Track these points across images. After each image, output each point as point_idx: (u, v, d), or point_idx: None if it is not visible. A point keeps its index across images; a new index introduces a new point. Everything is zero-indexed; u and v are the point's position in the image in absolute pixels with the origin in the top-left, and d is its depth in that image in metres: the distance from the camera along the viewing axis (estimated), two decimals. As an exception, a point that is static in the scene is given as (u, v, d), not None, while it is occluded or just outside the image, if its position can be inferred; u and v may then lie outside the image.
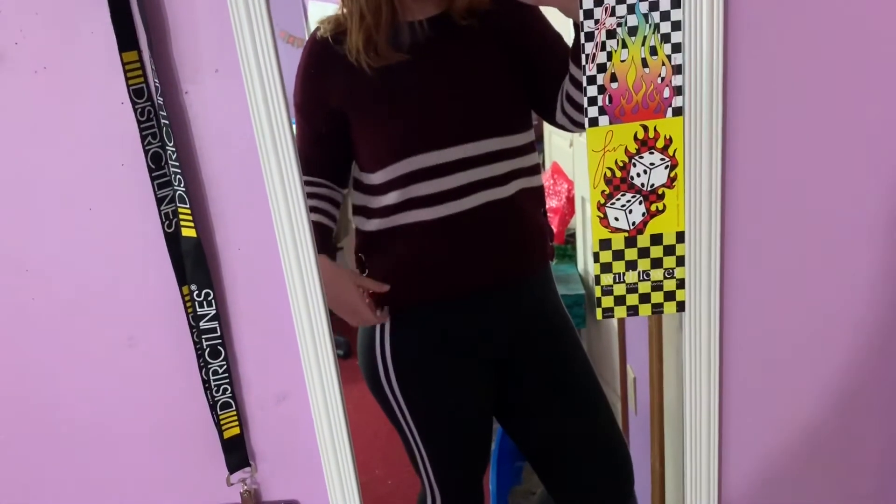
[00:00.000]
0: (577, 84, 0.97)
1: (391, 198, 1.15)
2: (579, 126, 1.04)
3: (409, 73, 1.10)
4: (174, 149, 0.87)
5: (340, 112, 1.14)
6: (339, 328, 1.90)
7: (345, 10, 1.10)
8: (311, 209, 1.11)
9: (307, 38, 1.16)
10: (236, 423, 1.01)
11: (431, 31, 1.11)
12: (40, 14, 0.86)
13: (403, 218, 1.16)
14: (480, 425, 1.32)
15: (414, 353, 1.25)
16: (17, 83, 0.89)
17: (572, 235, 1.63)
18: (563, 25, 1.09)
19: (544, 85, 1.09)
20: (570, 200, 1.58)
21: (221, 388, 0.98)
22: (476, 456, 1.34)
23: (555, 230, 1.49)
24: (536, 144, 1.23)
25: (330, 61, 1.12)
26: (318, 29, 1.13)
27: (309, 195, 0.94)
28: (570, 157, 1.52)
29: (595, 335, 1.62)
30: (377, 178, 1.15)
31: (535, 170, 1.21)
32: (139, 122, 0.88)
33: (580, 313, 1.52)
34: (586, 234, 1.53)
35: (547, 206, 1.31)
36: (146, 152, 0.89)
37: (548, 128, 1.44)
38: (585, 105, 0.86)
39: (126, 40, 0.85)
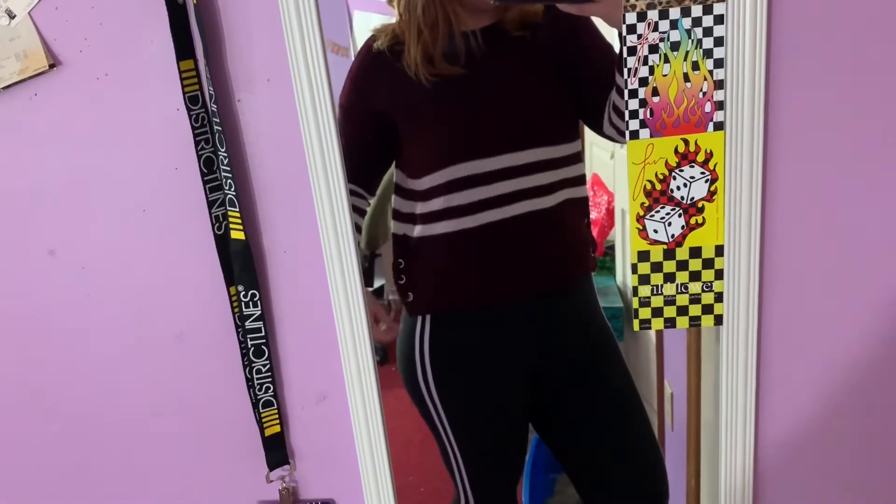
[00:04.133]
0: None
1: (435, 204, 1.17)
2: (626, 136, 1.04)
3: (459, 82, 1.12)
4: (226, 154, 0.90)
5: (388, 117, 1.16)
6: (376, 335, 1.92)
7: (401, 23, 1.12)
8: None
9: (362, 45, 1.18)
10: (277, 421, 1.03)
11: (484, 42, 1.13)
12: (104, 24, 0.91)
13: (446, 225, 1.17)
14: (516, 432, 1.33)
15: (452, 358, 1.26)
16: (79, 88, 0.93)
17: (611, 247, 1.63)
18: (610, 34, 1.10)
19: (593, 96, 1.09)
20: (610, 212, 1.58)
21: (264, 386, 1.01)
22: (510, 463, 1.35)
23: None
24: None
25: (385, 71, 1.14)
26: (374, 39, 1.15)
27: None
28: (611, 168, 1.53)
29: (633, 349, 1.62)
30: (422, 184, 1.17)
31: (581, 180, 1.22)
32: (193, 128, 0.92)
33: (618, 326, 1.52)
34: (625, 246, 1.53)
35: (588, 218, 1.31)
36: (199, 157, 0.93)
37: (588, 139, 1.45)
38: (626, 118, 0.87)
39: (183, 49, 0.89)
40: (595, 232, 1.55)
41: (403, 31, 1.12)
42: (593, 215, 1.56)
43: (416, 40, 1.10)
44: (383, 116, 1.16)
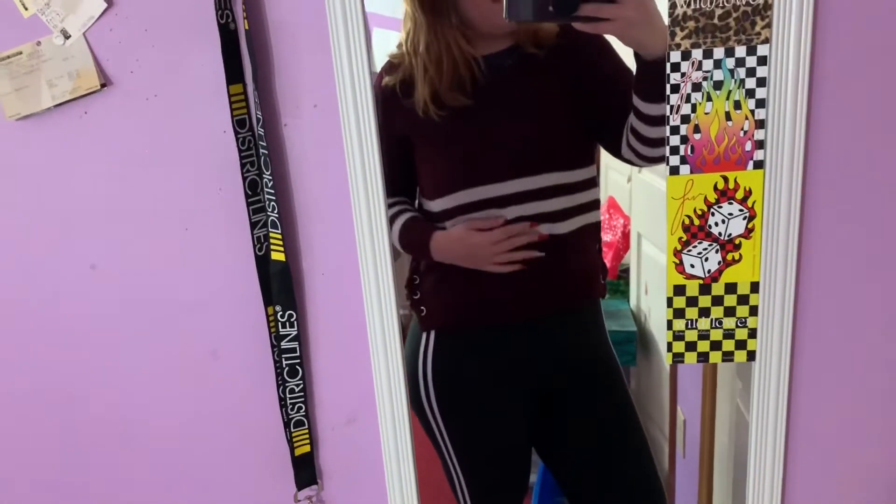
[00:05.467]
0: (642, 117, 0.98)
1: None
2: (644, 160, 1.05)
3: (472, 107, 1.12)
4: (270, 177, 0.92)
5: (407, 138, 1.17)
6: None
7: (410, 61, 1.13)
8: (398, 214, 1.19)
9: (376, 76, 1.19)
10: (307, 441, 1.04)
11: (499, 65, 1.13)
12: (156, 46, 0.93)
13: None
14: (518, 454, 1.33)
15: (455, 378, 1.26)
16: (129, 108, 0.96)
17: (625, 271, 1.63)
18: (623, 52, 1.08)
19: (611, 119, 1.09)
20: (626, 236, 1.58)
21: (296, 406, 1.02)
22: (512, 485, 1.34)
23: (608, 265, 1.49)
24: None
25: (396, 104, 1.14)
26: (385, 73, 1.16)
27: (390, 205, 1.01)
28: (628, 192, 1.53)
29: (645, 374, 1.61)
30: (436, 205, 1.18)
31: (595, 205, 1.22)
32: (240, 151, 0.93)
33: (631, 350, 1.52)
34: (640, 269, 1.53)
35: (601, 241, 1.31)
36: (244, 179, 0.94)
37: (605, 162, 1.44)
38: (667, 153, 0.89)
39: (233, 74, 0.91)
40: (610, 255, 1.55)
41: (411, 67, 1.13)
42: (608, 238, 1.56)
43: (422, 79, 1.11)
44: (402, 139, 1.17)
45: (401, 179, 1.18)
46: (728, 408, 1.26)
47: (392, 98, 1.13)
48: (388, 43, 1.32)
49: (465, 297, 1.23)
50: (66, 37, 0.93)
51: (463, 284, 1.22)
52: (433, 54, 1.10)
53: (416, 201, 1.24)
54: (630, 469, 1.30)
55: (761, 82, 0.85)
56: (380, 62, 1.19)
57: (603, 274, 1.30)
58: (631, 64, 0.96)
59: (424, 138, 1.16)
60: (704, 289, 0.93)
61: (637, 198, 1.49)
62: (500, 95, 1.14)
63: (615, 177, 1.54)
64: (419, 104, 1.12)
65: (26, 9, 0.93)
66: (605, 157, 1.24)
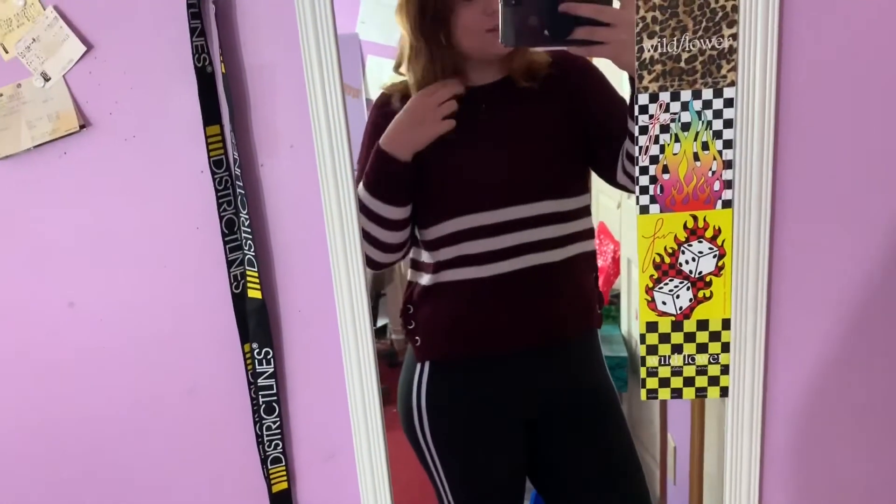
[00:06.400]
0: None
1: (442, 254, 1.18)
2: None
3: (464, 135, 1.13)
4: (247, 216, 0.93)
5: None
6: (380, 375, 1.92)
7: (409, 83, 1.15)
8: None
9: (374, 101, 1.21)
10: (285, 477, 1.04)
11: (492, 96, 1.15)
12: (135, 88, 0.94)
13: (452, 275, 1.18)
14: (512, 483, 1.32)
15: (450, 408, 1.26)
16: (108, 149, 0.97)
17: (616, 296, 1.63)
18: (618, 77, 1.09)
19: (605, 147, 1.10)
20: (616, 261, 1.58)
21: (273, 443, 1.02)
22: None
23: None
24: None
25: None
26: (384, 97, 1.17)
27: None
28: (618, 217, 1.54)
29: (636, 400, 1.61)
30: (430, 234, 1.18)
31: (590, 234, 1.22)
32: (216, 190, 0.94)
33: (622, 376, 1.52)
34: (631, 295, 1.54)
35: (593, 268, 1.31)
36: (221, 218, 0.95)
37: (595, 187, 1.45)
38: (637, 193, 0.90)
39: (210, 115, 0.93)
40: (601, 280, 1.56)
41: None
42: (600, 263, 1.56)
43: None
44: None
45: None
46: (717, 436, 1.26)
47: (385, 126, 1.15)
48: (382, 70, 1.34)
49: (460, 328, 1.23)
50: (46, 79, 0.95)
51: (458, 314, 1.22)
52: (427, 81, 1.12)
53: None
54: (624, 498, 1.30)
55: (728, 123, 0.87)
56: (373, 88, 1.21)
57: (599, 304, 1.30)
58: (623, 92, 0.96)
59: (416, 167, 1.17)
60: (677, 325, 0.94)
61: (627, 223, 1.50)
62: (492, 124, 1.15)
63: (605, 202, 1.55)
64: None
65: (7, 52, 0.94)
66: (595, 182, 1.24)
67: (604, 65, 1.15)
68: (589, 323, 1.29)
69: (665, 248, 0.91)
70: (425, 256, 1.21)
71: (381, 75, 1.23)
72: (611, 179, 1.12)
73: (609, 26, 0.89)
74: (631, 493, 1.30)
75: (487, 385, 1.24)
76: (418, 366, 1.25)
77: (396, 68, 1.18)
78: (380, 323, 1.96)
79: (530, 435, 1.29)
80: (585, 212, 1.21)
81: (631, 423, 1.43)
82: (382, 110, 1.17)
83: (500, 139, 1.16)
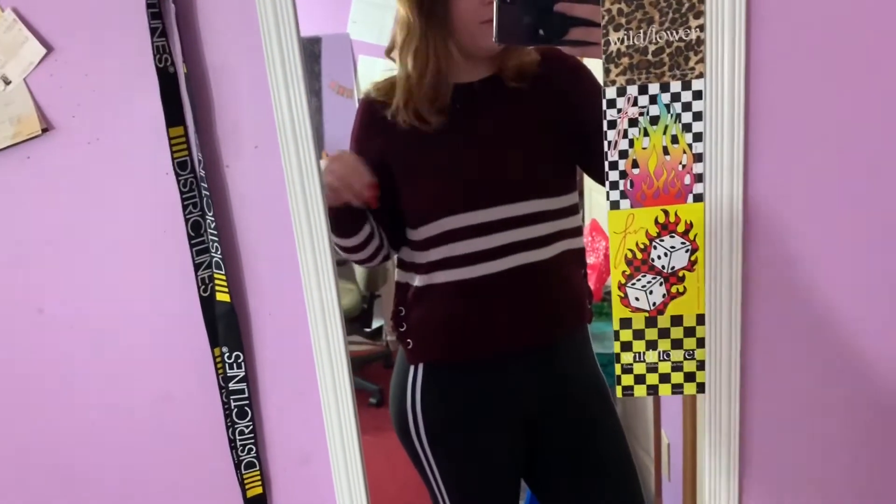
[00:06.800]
0: None
1: (431, 255, 1.17)
2: None
3: (452, 134, 1.13)
4: (213, 218, 0.92)
5: (388, 167, 1.17)
6: (373, 377, 1.91)
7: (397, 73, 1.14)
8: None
9: (360, 100, 1.20)
10: (259, 482, 1.03)
11: (480, 93, 1.14)
12: (97, 91, 0.93)
13: (442, 275, 1.18)
14: (507, 484, 1.32)
15: (444, 409, 1.25)
16: (71, 152, 0.95)
17: (609, 293, 1.63)
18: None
19: (594, 146, 1.09)
20: (608, 258, 1.58)
21: (247, 447, 1.01)
22: None
23: (592, 288, 1.49)
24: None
25: (379, 125, 1.15)
26: (370, 93, 1.17)
27: None
28: (610, 214, 1.53)
29: (630, 399, 1.61)
30: (418, 234, 1.18)
31: (578, 231, 1.22)
32: (182, 193, 0.93)
33: (615, 372, 1.52)
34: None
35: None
36: (187, 220, 0.94)
37: (588, 184, 1.45)
38: (607, 188, 0.89)
39: (173, 117, 0.91)
40: (594, 278, 1.55)
41: (393, 88, 1.14)
42: (592, 260, 1.56)
43: (402, 85, 1.12)
44: (384, 167, 1.17)
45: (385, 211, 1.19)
46: (709, 431, 1.26)
47: (373, 121, 1.15)
48: (373, 69, 1.33)
49: (452, 329, 1.22)
50: (7, 83, 0.93)
51: (449, 316, 1.21)
52: (419, 64, 1.11)
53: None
54: (618, 498, 1.29)
55: (697, 116, 0.85)
56: (365, 87, 1.20)
57: (589, 299, 1.30)
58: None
59: (405, 165, 1.16)
60: (650, 321, 0.93)
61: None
62: (484, 122, 1.15)
63: (598, 199, 1.55)
64: (391, 109, 1.13)
65: (-34, 56, 0.93)
66: (588, 179, 1.25)
67: (593, 64, 1.14)
68: (579, 319, 1.29)
69: (637, 244, 0.90)
70: (415, 257, 1.20)
71: (372, 75, 1.22)
72: (600, 179, 1.11)
73: None
74: (625, 491, 1.30)
75: (481, 385, 1.24)
76: (411, 368, 1.25)
77: (388, 52, 1.17)
78: (375, 325, 1.96)
79: (525, 434, 1.29)
80: (573, 210, 1.21)
81: (625, 420, 1.43)
82: (369, 109, 1.16)
83: (487, 138, 1.16)
